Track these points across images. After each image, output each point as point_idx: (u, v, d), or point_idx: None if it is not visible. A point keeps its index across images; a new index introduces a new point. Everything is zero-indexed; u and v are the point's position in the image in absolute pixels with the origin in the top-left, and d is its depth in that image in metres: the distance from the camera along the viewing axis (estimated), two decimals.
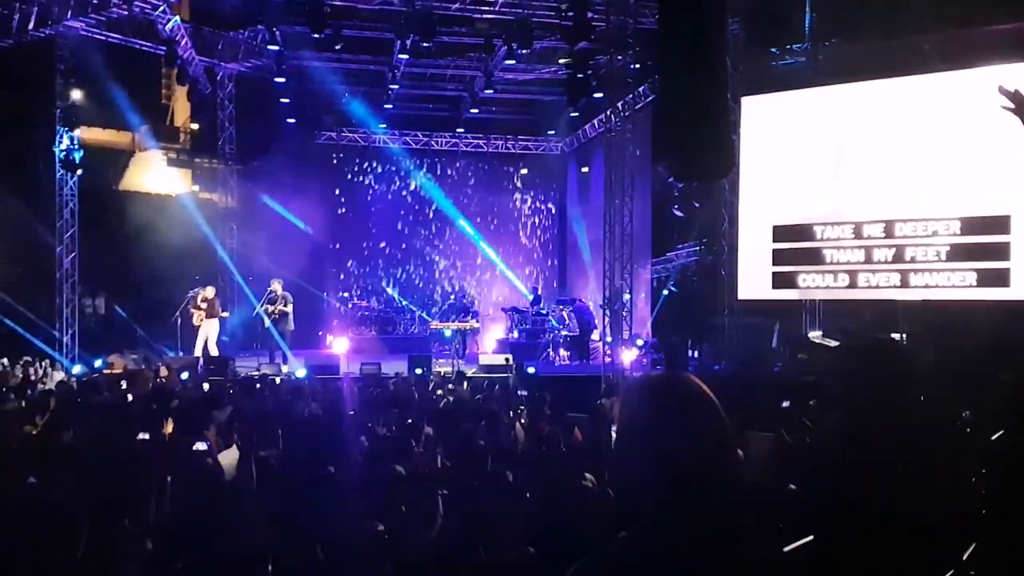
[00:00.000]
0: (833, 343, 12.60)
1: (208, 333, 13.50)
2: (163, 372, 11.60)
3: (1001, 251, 11.28)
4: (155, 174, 17.14)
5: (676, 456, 1.46)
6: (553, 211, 20.76)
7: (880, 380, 2.73)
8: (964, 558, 2.93)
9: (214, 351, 13.42)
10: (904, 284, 11.93)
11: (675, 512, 1.44)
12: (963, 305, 11.54)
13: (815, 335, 13.21)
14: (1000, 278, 11.27)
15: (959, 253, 11.58)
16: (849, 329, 12.60)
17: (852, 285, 12.34)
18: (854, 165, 12.51)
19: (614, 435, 4.94)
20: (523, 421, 7.33)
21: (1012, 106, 2.57)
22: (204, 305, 13.52)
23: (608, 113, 13.40)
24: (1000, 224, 11.28)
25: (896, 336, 12.31)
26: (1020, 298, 11.09)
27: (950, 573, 2.81)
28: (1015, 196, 11.14)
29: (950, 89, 11.65)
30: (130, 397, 9.65)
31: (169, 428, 6.53)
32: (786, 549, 2.20)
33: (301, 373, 12.07)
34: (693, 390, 1.53)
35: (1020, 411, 3.16)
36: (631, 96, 13.44)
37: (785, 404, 7.41)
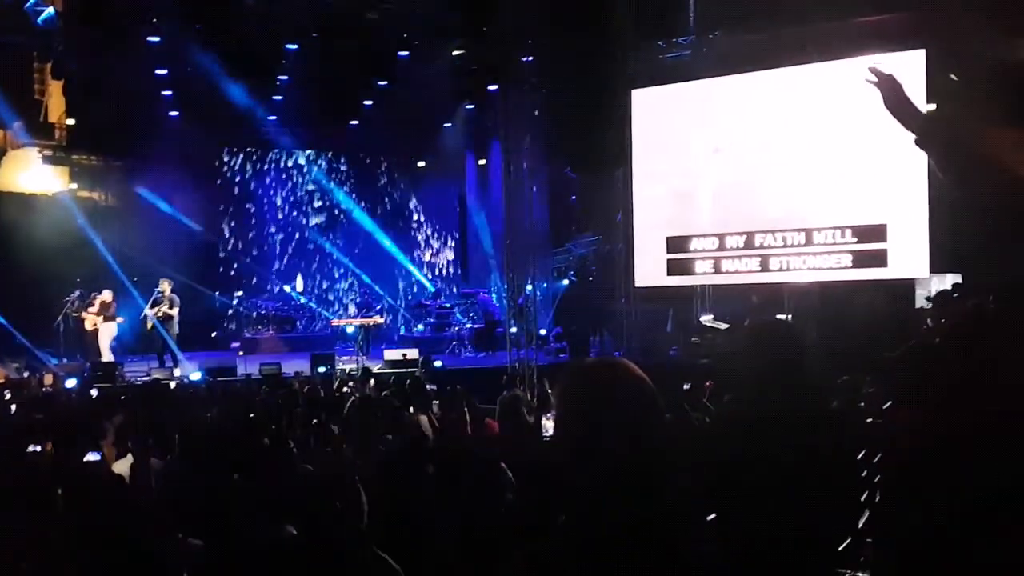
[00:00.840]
0: (723, 326, 13.11)
1: (107, 337, 13.02)
2: (47, 380, 11.04)
3: (879, 233, 11.98)
4: (30, 173, 16.20)
5: (619, 435, 1.51)
6: (453, 203, 20.73)
7: (776, 359, 2.88)
8: (859, 526, 3.13)
9: (108, 356, 12.90)
10: (787, 268, 12.53)
11: (621, 492, 1.49)
12: (846, 286, 12.23)
13: (706, 319, 13.71)
14: (878, 259, 11.97)
15: (839, 236, 12.25)
16: (738, 312, 13.13)
17: (739, 271, 12.88)
18: (739, 157, 13.01)
19: (549, 420, 5.00)
20: (435, 413, 7.33)
21: (875, 79, 2.72)
22: (101, 310, 13.02)
23: (504, 105, 13.49)
24: (878, 210, 11.97)
25: (782, 317, 12.95)
26: (897, 277, 11.84)
27: (848, 540, 2.99)
28: (892, 187, 11.83)
29: (828, 79, 12.25)
30: (13, 408, 9.16)
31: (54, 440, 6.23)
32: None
33: (196, 376, 11.69)
34: (631, 371, 1.60)
35: (909, 385, 3.37)
36: (526, 88, 13.55)
37: (686, 386, 7.68)
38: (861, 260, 12.10)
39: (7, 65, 14.40)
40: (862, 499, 3.00)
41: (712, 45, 13.56)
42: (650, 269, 13.70)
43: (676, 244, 13.49)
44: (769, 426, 2.70)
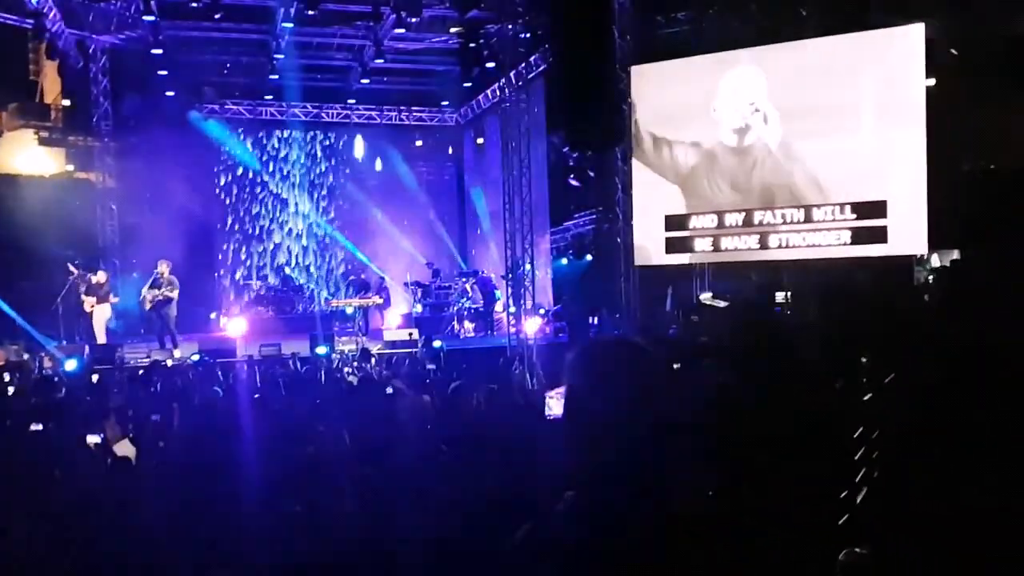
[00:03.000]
0: (722, 304, 13.10)
1: (102, 319, 13.00)
2: (47, 362, 11.05)
3: (879, 209, 11.95)
4: (26, 154, 16.12)
5: (630, 408, 1.53)
6: (450, 183, 20.67)
7: (761, 337, 2.89)
8: (858, 501, 3.14)
9: (103, 338, 12.88)
10: (786, 245, 12.51)
11: (631, 466, 1.51)
12: (847, 264, 12.22)
13: (705, 297, 13.68)
14: (877, 236, 11.94)
15: (838, 212, 12.22)
16: (736, 290, 13.12)
17: (738, 248, 12.86)
18: (738, 133, 12.95)
19: (552, 398, 4.99)
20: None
21: None
22: (94, 290, 12.98)
23: (501, 83, 13.41)
24: (878, 186, 11.94)
25: (780, 295, 12.95)
26: (897, 254, 11.83)
27: (846, 516, 3.00)
28: (891, 163, 11.79)
29: (827, 54, 12.18)
30: (11, 390, 9.17)
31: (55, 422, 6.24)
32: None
33: (195, 358, 11.69)
34: (639, 347, 1.62)
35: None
36: (524, 65, 13.47)
37: (676, 366, 7.68)
38: (860, 237, 12.07)
39: (1, 45, 14.30)
40: (859, 476, 3.01)
41: (711, 20, 13.46)
42: (649, 247, 13.67)
43: (675, 222, 13.45)
44: (759, 400, 2.71)
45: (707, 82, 13.17)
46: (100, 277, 13.27)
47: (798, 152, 12.44)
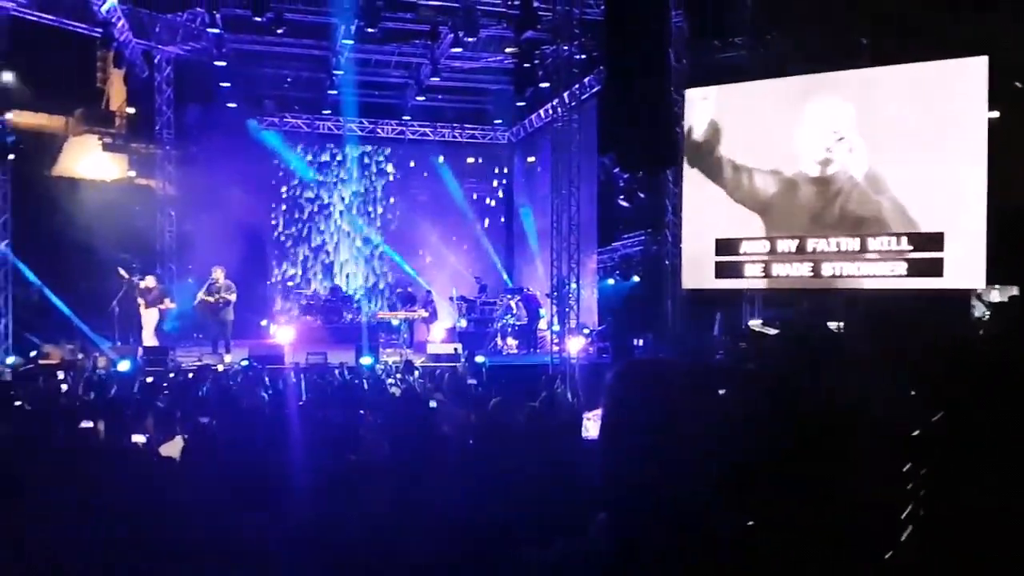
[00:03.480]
0: (772, 331, 12.89)
1: (150, 323, 13.26)
2: (101, 362, 11.33)
3: (935, 241, 11.68)
4: (90, 159, 16.63)
5: (665, 432, 1.52)
6: (500, 200, 20.77)
7: (816, 365, 2.83)
8: (902, 539, 3.05)
9: (151, 341, 13.15)
10: (840, 274, 12.28)
11: (664, 490, 1.49)
12: (901, 295, 11.95)
13: (755, 324, 13.49)
14: (934, 268, 11.67)
15: (894, 243, 11.97)
16: (787, 318, 12.91)
17: (790, 276, 12.67)
18: (793, 159, 12.79)
19: (589, 420, 4.97)
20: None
21: None
22: (143, 294, 13.28)
23: (554, 103, 13.47)
24: (935, 218, 11.68)
25: (834, 325, 12.70)
26: (953, 287, 11.54)
27: (889, 553, 2.92)
28: (949, 195, 11.54)
29: (886, 84, 11.99)
30: (64, 388, 9.43)
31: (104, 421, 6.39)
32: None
33: (244, 363, 11.89)
34: (676, 370, 1.61)
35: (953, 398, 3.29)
36: (577, 86, 13.51)
37: (721, 392, 7.57)
38: (917, 269, 11.81)
39: (71, 53, 14.79)
40: (904, 515, 2.93)
41: (768, 46, 13.36)
42: (698, 271, 13.54)
43: (725, 246, 13.32)
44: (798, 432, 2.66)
45: (761, 107, 13.05)
46: (149, 282, 13.49)
47: (885, 183, 12.21)
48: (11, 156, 13.10)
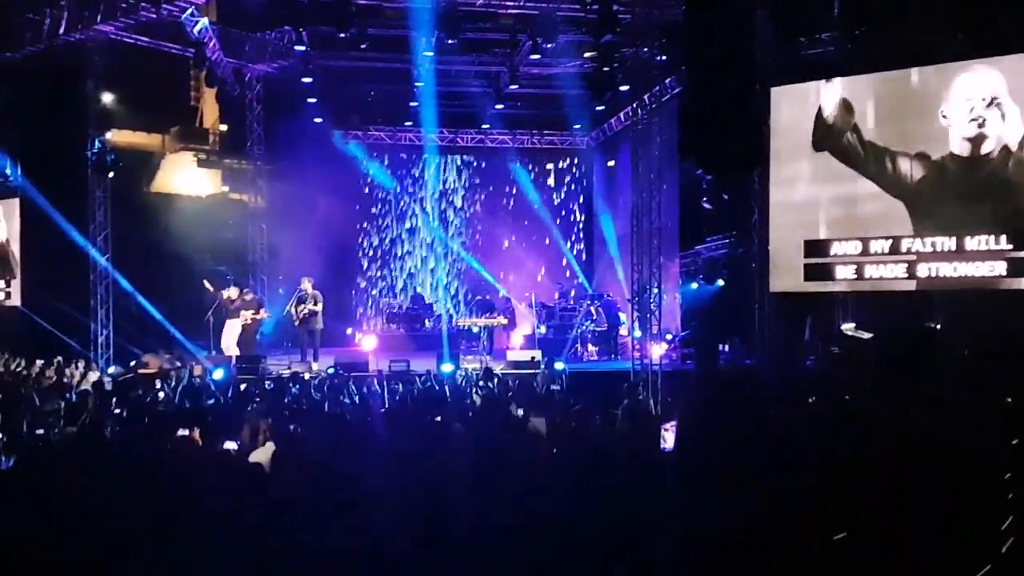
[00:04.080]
0: (867, 335, 12.41)
1: (231, 334, 13.65)
2: (196, 371, 11.72)
3: None
4: (186, 175, 17.31)
5: (743, 444, 1.46)
6: (580, 205, 20.68)
7: (915, 367, 2.69)
8: (1003, 551, 2.86)
9: (233, 351, 13.51)
10: (936, 275, 11.74)
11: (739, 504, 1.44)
12: (1002, 295, 11.35)
13: (848, 327, 13.03)
14: None
15: (993, 242, 11.37)
16: (882, 321, 12.42)
17: (883, 277, 12.17)
18: (884, 157, 12.29)
19: (667, 430, 4.88)
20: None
21: None
22: (226, 304, 13.67)
23: (634, 106, 13.32)
24: None
25: (931, 326, 12.14)
26: None
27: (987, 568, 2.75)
28: None
29: (984, 79, 11.42)
30: (161, 396, 9.79)
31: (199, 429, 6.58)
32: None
33: (330, 371, 12.13)
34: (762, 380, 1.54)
35: None
36: (657, 88, 13.33)
37: (811, 399, 7.29)
38: (1018, 268, 11.19)
39: (165, 73, 15.43)
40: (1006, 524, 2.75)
41: (857, 42, 12.89)
42: (786, 274, 13.16)
43: (815, 248, 12.90)
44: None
45: (851, 105, 12.60)
46: (232, 293, 13.86)
47: (944, 177, 11.65)
48: (111, 174, 13.73)
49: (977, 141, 11.55)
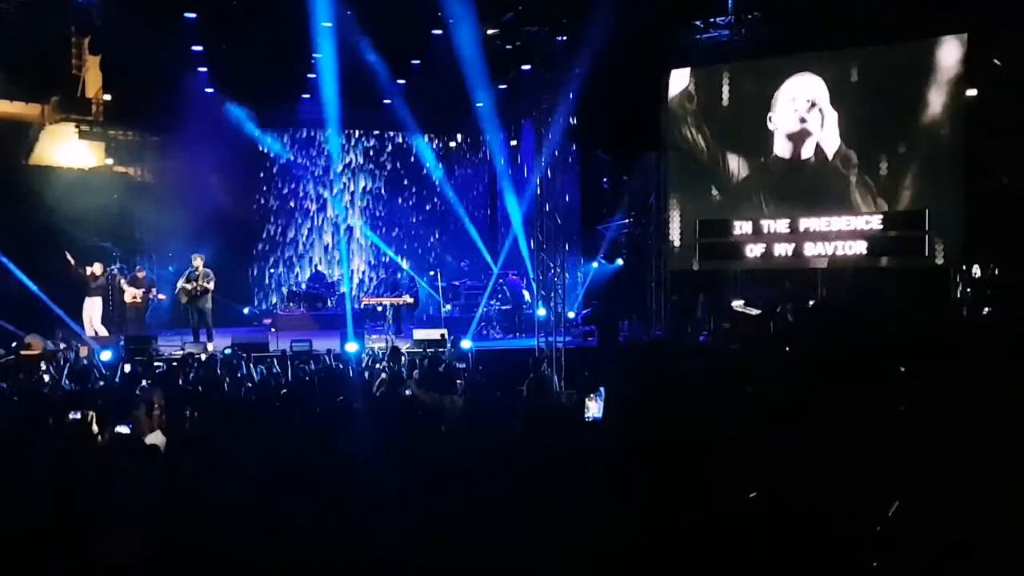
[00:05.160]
0: (755, 312, 12.97)
1: (89, 311, 13.18)
2: (83, 352, 11.22)
3: (917, 219, 11.79)
4: (67, 147, 16.39)
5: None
6: (484, 184, 20.68)
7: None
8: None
9: (100, 330, 13.04)
10: (823, 254, 12.39)
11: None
12: (880, 272, 12.08)
13: (737, 304, 13.57)
14: (914, 246, 11.78)
15: (877, 222, 12.07)
16: (770, 298, 12.99)
17: (769, 255, 12.76)
18: (773, 141, 12.84)
19: (591, 400, 4.99)
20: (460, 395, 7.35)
21: None
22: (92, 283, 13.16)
23: (536, 86, 13.40)
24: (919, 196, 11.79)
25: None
26: (934, 265, 11.67)
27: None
28: (930, 173, 11.64)
29: (869, 64, 12.03)
30: (47, 379, 9.34)
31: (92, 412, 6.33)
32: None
33: (227, 351, 11.81)
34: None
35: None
36: (559, 69, 13.43)
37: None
38: (897, 247, 11.93)
39: (46, 40, 14.53)
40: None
41: (750, 26, 13.34)
42: (682, 253, 13.60)
43: (710, 228, 13.37)
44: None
45: (744, 88, 13.06)
46: (96, 269, 13.39)
47: (835, 160, 12.30)
48: None
49: (799, 140, 12.43)
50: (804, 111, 12.52)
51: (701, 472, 1.55)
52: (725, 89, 13.21)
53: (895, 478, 3.06)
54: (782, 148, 12.73)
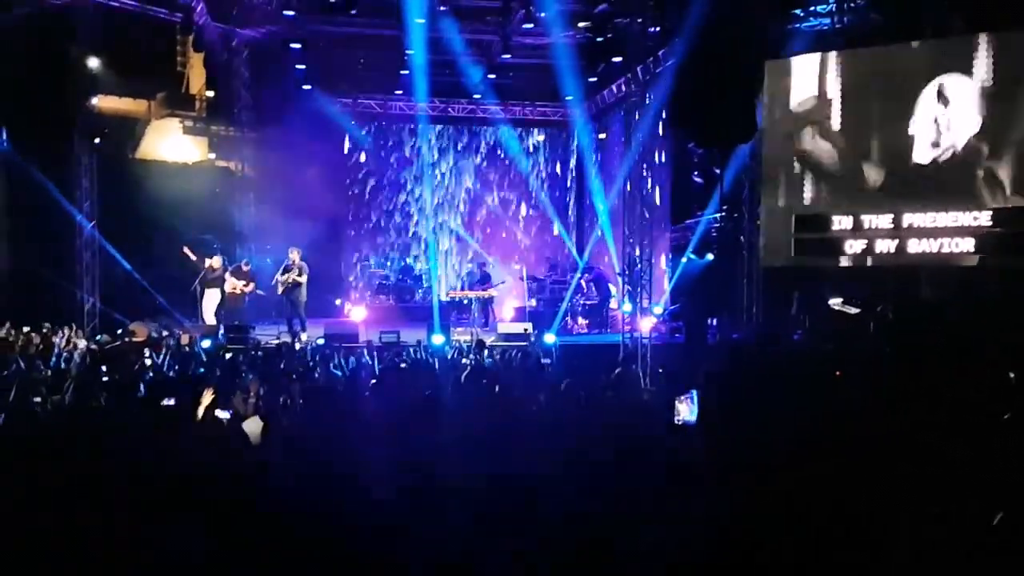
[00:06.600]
0: (853, 310, 12.46)
1: (211, 303, 13.64)
2: (184, 340, 11.66)
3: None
4: (171, 142, 17.09)
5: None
6: (571, 178, 20.59)
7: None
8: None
9: (211, 320, 13.46)
10: (929, 251, 11.82)
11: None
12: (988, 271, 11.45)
13: (835, 302, 13.07)
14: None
15: (985, 218, 11.44)
16: (870, 296, 12.47)
17: (875, 252, 12.23)
18: (876, 131, 12.30)
19: (681, 402, 4.87)
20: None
21: None
22: (210, 274, 13.62)
23: (627, 78, 13.22)
24: None
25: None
26: None
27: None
28: None
29: (978, 53, 11.40)
30: (148, 363, 9.70)
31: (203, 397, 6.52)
32: None
33: (320, 341, 12.09)
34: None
35: None
36: (651, 61, 13.23)
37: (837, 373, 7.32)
38: (1009, 245, 11.27)
39: (152, 38, 15.17)
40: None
41: (853, 14, 12.81)
42: (777, 248, 13.19)
43: (807, 223, 12.93)
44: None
45: (844, 79, 12.55)
46: (215, 262, 13.79)
47: (937, 152, 11.71)
48: (97, 140, 13.53)
49: (935, 146, 11.74)
50: (932, 102, 11.86)
51: (800, 484, 1.46)
52: (826, 79, 12.73)
53: (997, 488, 2.89)
54: (873, 140, 12.15)
